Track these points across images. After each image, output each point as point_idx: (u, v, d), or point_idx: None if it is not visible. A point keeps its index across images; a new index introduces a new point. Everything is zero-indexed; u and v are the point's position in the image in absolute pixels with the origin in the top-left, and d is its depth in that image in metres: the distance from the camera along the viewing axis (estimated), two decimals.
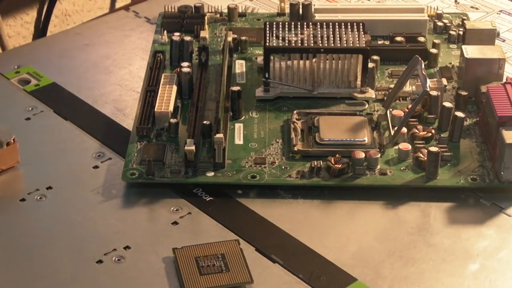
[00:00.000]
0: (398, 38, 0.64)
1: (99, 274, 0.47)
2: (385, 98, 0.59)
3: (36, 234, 0.50)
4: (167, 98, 0.57)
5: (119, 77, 0.64)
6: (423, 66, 0.55)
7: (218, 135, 0.53)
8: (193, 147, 0.53)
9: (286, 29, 0.60)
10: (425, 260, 0.48)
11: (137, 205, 0.52)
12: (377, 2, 0.73)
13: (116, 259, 0.48)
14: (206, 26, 0.67)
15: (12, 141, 0.54)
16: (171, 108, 0.57)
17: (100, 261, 0.48)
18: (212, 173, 0.53)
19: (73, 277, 0.47)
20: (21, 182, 0.54)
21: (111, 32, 0.70)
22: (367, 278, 0.47)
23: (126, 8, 0.73)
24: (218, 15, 0.69)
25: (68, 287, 0.46)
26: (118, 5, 0.93)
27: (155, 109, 0.56)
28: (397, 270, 0.48)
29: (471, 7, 0.72)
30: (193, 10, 0.69)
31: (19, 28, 0.86)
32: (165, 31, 0.66)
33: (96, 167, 0.55)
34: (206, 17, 0.68)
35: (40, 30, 0.88)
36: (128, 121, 0.59)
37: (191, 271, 0.46)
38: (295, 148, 0.54)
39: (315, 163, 0.53)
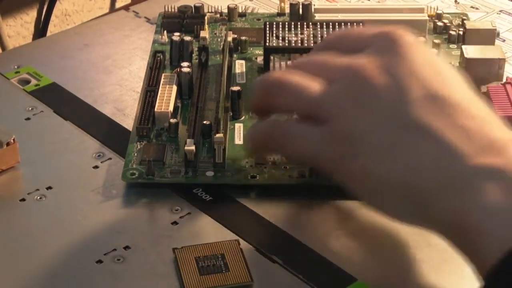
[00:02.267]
0: None
1: (99, 274, 0.47)
2: None
3: (36, 234, 0.50)
4: (167, 98, 0.57)
5: (119, 77, 0.64)
6: None
7: (218, 135, 0.53)
8: (193, 147, 0.53)
9: (286, 29, 0.60)
10: (425, 260, 0.48)
11: (137, 205, 0.52)
12: (377, 2, 0.73)
13: (116, 259, 0.48)
14: (206, 26, 0.67)
15: (12, 141, 0.54)
16: (171, 108, 0.57)
17: (100, 261, 0.48)
18: (212, 173, 0.53)
19: (73, 277, 0.47)
20: (21, 182, 0.54)
21: (111, 32, 0.70)
22: (367, 278, 0.47)
23: (126, 8, 0.73)
24: (218, 15, 0.69)
25: (68, 287, 0.46)
26: (118, 5, 0.93)
27: (155, 109, 0.56)
28: (397, 270, 0.48)
29: (471, 7, 0.72)
30: (193, 10, 0.69)
31: (19, 28, 0.86)
32: (165, 31, 0.66)
33: (96, 167, 0.55)
34: (206, 17, 0.68)
35: (40, 30, 0.88)
36: (128, 121, 0.59)
37: (191, 271, 0.46)
38: None
39: None
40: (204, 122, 0.55)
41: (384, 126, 0.44)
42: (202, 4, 0.69)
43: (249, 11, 0.70)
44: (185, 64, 0.60)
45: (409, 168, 0.43)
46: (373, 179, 0.44)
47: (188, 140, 0.53)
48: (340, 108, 0.45)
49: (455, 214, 0.42)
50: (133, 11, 0.73)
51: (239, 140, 0.56)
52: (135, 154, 0.55)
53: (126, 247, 0.49)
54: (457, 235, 0.42)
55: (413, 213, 0.44)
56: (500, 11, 0.72)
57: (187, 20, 0.68)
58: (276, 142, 0.49)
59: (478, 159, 0.42)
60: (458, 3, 0.73)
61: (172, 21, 0.68)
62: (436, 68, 0.45)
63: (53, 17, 0.88)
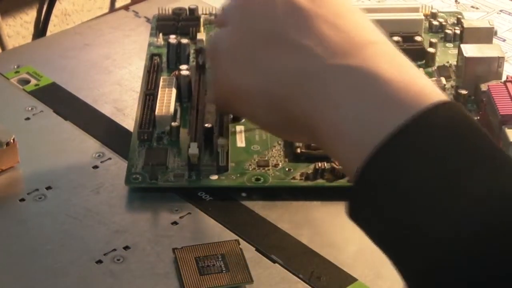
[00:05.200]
0: (395, 38, 0.63)
1: (99, 274, 0.47)
2: None
3: (36, 234, 0.50)
4: (167, 102, 0.57)
5: (119, 77, 0.64)
6: None
7: (221, 138, 0.53)
8: (197, 151, 0.52)
9: None
10: None
11: (137, 205, 0.52)
12: (377, 1, 0.73)
13: (116, 259, 0.48)
14: (202, 28, 0.67)
15: (11, 141, 0.54)
16: (171, 111, 0.57)
17: (100, 261, 0.48)
18: (216, 176, 0.53)
19: (73, 277, 0.47)
20: (21, 182, 0.54)
21: (111, 32, 0.70)
22: (367, 278, 0.47)
23: (126, 8, 0.73)
24: (213, 17, 0.69)
25: (68, 287, 0.47)
26: (118, 5, 0.93)
27: (156, 113, 0.56)
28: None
29: (471, 6, 0.72)
30: (188, 12, 0.68)
31: (18, 28, 0.86)
32: (161, 34, 0.66)
33: (96, 167, 0.55)
34: (201, 19, 0.67)
35: (40, 30, 0.87)
36: (128, 121, 0.59)
37: (191, 271, 0.46)
38: (298, 150, 0.54)
39: (319, 165, 0.53)
40: (206, 125, 0.55)
41: (247, 41, 0.46)
42: (197, 6, 0.68)
43: None
44: (184, 67, 0.60)
45: (268, 75, 0.44)
46: (237, 89, 0.46)
47: (192, 144, 0.53)
48: (219, 36, 0.48)
49: (312, 118, 0.42)
50: (133, 11, 0.73)
51: (241, 142, 0.56)
52: (137, 158, 0.54)
53: (126, 247, 0.49)
54: (319, 140, 0.43)
55: (279, 121, 0.45)
56: (500, 10, 0.72)
57: (182, 22, 0.67)
58: None
59: (334, 60, 0.42)
60: (459, 2, 0.73)
61: (167, 24, 0.67)
62: None
63: (53, 17, 0.87)
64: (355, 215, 0.40)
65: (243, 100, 0.47)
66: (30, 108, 0.60)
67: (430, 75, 0.62)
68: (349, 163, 0.39)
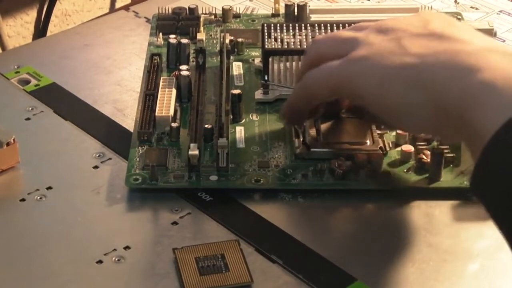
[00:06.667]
0: None
1: (99, 274, 0.47)
2: None
3: (36, 234, 0.50)
4: (167, 102, 0.57)
5: (119, 77, 0.64)
6: None
7: (221, 140, 0.53)
8: (197, 152, 0.52)
9: (284, 30, 0.60)
10: (425, 260, 0.48)
11: (137, 205, 0.52)
12: (377, 1, 0.73)
13: (116, 259, 0.48)
14: (202, 28, 0.67)
15: (12, 141, 0.54)
16: (171, 112, 0.57)
17: (100, 261, 0.48)
18: (215, 177, 0.53)
19: (73, 277, 0.47)
20: (21, 182, 0.54)
21: (111, 32, 0.70)
22: (367, 278, 0.47)
23: (126, 8, 0.73)
24: (212, 17, 0.68)
25: (68, 287, 0.47)
26: (118, 5, 0.93)
27: (156, 114, 0.56)
28: (397, 270, 0.48)
29: (471, 7, 0.72)
30: (187, 12, 0.68)
31: (19, 28, 0.86)
32: (160, 33, 0.66)
33: (96, 167, 0.55)
34: (201, 19, 0.67)
35: (40, 30, 0.88)
36: (128, 121, 0.59)
37: (191, 271, 0.47)
38: (298, 151, 0.54)
39: (319, 166, 0.53)
40: (206, 126, 0.55)
41: (393, 40, 0.49)
42: (197, 6, 0.68)
43: (249, 11, 0.70)
44: (184, 67, 0.60)
45: (416, 55, 0.47)
46: (381, 71, 0.48)
47: (192, 145, 0.53)
48: (361, 38, 0.50)
49: (459, 91, 0.44)
50: (133, 11, 0.73)
51: (241, 143, 0.56)
52: (137, 159, 0.54)
53: (126, 247, 0.49)
54: (458, 117, 0.44)
55: (419, 99, 0.46)
56: (500, 11, 0.72)
57: (182, 22, 0.67)
58: (304, 82, 0.52)
59: (483, 45, 0.46)
60: (458, 3, 0.73)
61: (167, 23, 0.67)
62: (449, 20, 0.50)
63: (53, 17, 0.88)
64: (483, 178, 0.41)
65: (380, 78, 0.48)
66: (30, 108, 0.60)
67: None
68: (492, 123, 0.41)
